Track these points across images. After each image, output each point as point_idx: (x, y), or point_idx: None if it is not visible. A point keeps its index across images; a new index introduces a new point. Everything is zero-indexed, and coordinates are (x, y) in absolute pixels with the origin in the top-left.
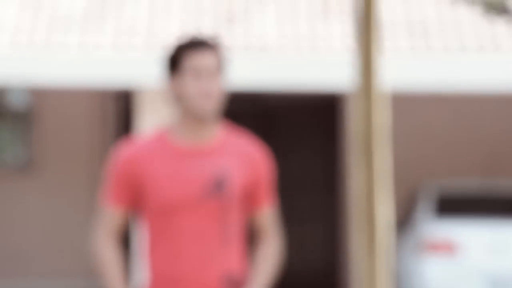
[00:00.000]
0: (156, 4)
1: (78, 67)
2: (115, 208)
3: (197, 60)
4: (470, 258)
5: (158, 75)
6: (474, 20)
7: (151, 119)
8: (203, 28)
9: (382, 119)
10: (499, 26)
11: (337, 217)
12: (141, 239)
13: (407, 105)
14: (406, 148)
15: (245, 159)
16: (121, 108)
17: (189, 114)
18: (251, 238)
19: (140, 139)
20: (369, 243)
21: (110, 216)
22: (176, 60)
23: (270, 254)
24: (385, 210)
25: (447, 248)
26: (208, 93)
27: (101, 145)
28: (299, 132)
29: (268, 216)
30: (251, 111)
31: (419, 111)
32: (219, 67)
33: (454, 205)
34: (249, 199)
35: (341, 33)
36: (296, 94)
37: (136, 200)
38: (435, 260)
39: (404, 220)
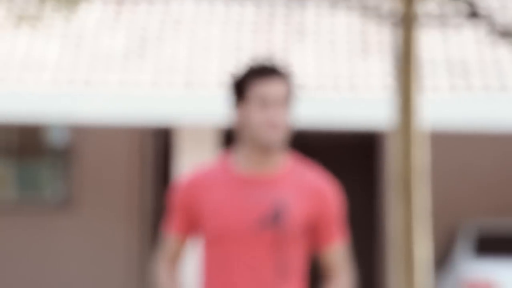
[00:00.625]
0: (195, 42)
1: (118, 104)
2: (175, 235)
3: (265, 89)
4: None
5: (197, 113)
6: None
7: (190, 157)
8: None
9: (421, 158)
10: None
11: (376, 255)
12: (199, 266)
13: (447, 144)
14: (445, 187)
15: (310, 192)
16: (160, 145)
17: (253, 143)
18: (319, 276)
19: (203, 166)
20: (407, 282)
21: (170, 243)
22: (243, 87)
23: None
24: (423, 248)
25: None
26: (274, 123)
27: (140, 182)
28: (338, 170)
29: (338, 253)
30: (290, 149)
31: (458, 150)
32: (288, 96)
33: (494, 245)
34: (315, 235)
35: (380, 72)
36: (335, 132)
37: (195, 226)
38: None
39: (443, 259)
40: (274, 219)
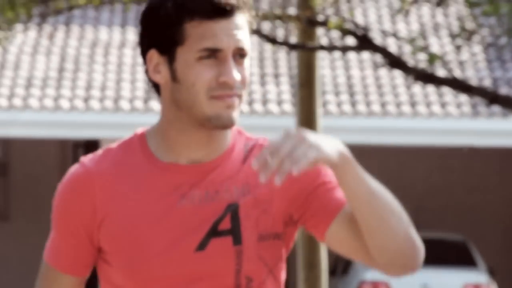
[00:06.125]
0: (110, 65)
1: (50, 118)
2: (61, 272)
3: (216, 31)
4: None
5: (117, 126)
6: (395, 84)
7: None
8: None
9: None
10: (415, 89)
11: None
12: None
13: None
14: None
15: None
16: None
17: (194, 119)
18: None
19: (103, 150)
20: (312, 282)
21: (52, 280)
22: (174, 28)
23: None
24: (324, 254)
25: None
26: (232, 88)
27: None
28: None
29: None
30: None
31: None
32: (249, 42)
33: None
34: (311, 219)
35: (289, 91)
36: None
37: (93, 257)
38: None
39: (347, 265)
40: (229, 230)
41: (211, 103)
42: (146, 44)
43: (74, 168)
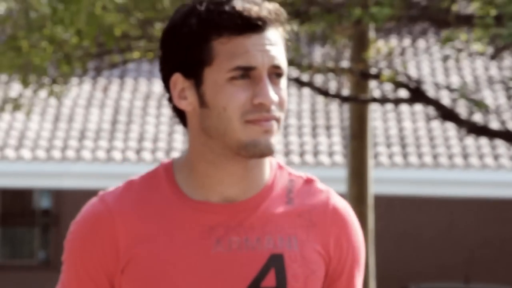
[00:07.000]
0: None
1: (102, 169)
2: None
3: (249, 48)
4: None
5: None
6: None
7: None
8: None
9: (372, 222)
10: (467, 141)
11: None
12: None
13: (394, 209)
14: (396, 250)
15: (321, 221)
16: None
17: (227, 150)
18: None
19: (125, 184)
20: None
21: None
22: (201, 48)
23: None
24: None
25: None
26: (268, 112)
27: None
28: None
29: None
30: None
31: (405, 216)
32: (285, 60)
33: None
34: None
35: (340, 143)
36: None
37: None
38: None
39: None
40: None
41: (246, 128)
42: (168, 68)
43: (92, 205)
